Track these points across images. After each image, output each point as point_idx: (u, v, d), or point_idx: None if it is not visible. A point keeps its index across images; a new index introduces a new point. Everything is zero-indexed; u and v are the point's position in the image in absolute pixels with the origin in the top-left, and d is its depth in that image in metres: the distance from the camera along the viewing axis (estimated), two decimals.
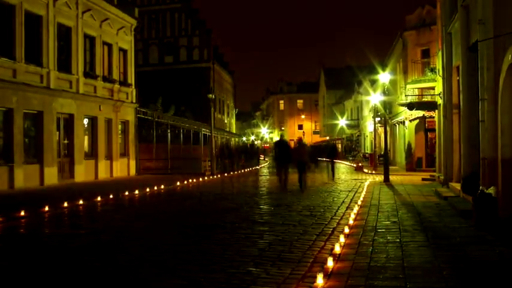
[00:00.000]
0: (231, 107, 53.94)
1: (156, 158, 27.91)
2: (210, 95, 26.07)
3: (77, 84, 20.93)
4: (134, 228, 8.80)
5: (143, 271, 5.71)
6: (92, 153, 22.27)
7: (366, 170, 26.51)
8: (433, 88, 20.81)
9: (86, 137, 22.18)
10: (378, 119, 30.29)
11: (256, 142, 74.12)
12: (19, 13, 17.51)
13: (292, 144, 23.43)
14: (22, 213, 10.07)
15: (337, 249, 6.44)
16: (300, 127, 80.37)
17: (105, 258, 6.34)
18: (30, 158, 18.16)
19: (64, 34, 20.41)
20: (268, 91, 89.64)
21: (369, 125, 42.13)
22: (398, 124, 29.84)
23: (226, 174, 24.56)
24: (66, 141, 20.44)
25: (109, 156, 23.35)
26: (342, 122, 56.52)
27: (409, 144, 26.08)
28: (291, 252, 6.53)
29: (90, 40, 22.34)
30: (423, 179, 19.18)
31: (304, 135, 74.05)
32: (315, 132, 78.32)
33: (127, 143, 25.41)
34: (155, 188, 16.25)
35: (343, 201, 12.45)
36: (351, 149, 54.92)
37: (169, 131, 28.44)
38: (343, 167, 33.41)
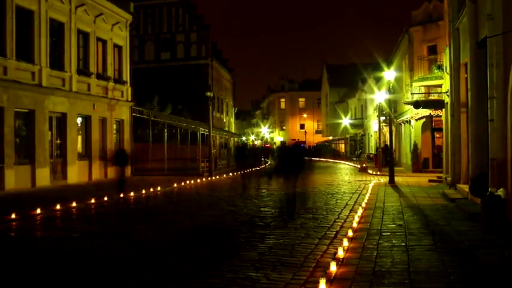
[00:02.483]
0: (230, 106, 53.90)
1: (152, 159, 27.90)
2: (209, 93, 26.06)
3: (70, 82, 20.92)
4: (130, 232, 8.80)
5: (139, 276, 5.72)
6: (86, 154, 22.25)
7: (370, 171, 26.52)
8: (440, 86, 20.80)
9: (79, 137, 22.16)
10: (382, 118, 30.26)
11: (256, 142, 74.12)
12: (10, 8, 17.48)
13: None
14: (13, 215, 10.07)
15: (341, 253, 6.44)
16: (302, 126, 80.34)
17: (100, 263, 6.35)
18: (21, 158, 18.14)
19: (56, 30, 20.40)
20: (269, 89, 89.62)
21: (373, 124, 42.11)
22: (404, 123, 29.82)
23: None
24: (58, 141, 20.42)
25: (103, 157, 23.30)
26: (345, 121, 56.49)
27: (415, 144, 26.05)
28: (292, 257, 6.53)
29: (83, 36, 22.31)
30: (430, 181, 19.18)
31: (306, 135, 74.12)
32: (317, 132, 78.29)
33: (122, 142, 25.35)
34: (151, 190, 16.26)
35: (347, 204, 12.45)
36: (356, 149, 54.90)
37: (165, 130, 28.44)
38: (346, 168, 33.42)
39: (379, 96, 30.17)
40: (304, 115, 79.73)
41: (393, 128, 25.53)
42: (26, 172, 18.07)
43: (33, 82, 18.69)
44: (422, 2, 26.47)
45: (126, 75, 25.92)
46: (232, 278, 5.51)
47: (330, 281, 5.29)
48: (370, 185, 17.67)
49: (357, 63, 50.44)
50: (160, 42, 42.99)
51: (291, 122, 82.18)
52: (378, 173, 25.18)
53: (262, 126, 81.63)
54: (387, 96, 23.88)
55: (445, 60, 17.93)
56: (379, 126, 30.95)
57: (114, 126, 24.78)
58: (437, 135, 25.44)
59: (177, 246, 7.45)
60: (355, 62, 52.72)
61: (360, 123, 53.20)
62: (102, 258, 6.63)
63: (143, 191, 15.70)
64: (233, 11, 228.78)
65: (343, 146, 65.30)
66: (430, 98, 22.68)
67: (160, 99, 34.78)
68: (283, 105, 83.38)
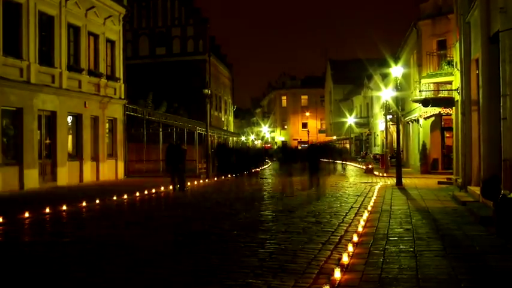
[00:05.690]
0: (229, 104, 53.98)
1: (147, 160, 27.91)
2: (206, 90, 26.07)
3: (60, 78, 20.93)
4: (123, 237, 8.80)
5: (133, 283, 5.72)
6: (77, 154, 22.26)
7: (376, 173, 26.53)
8: (450, 83, 20.81)
9: (70, 137, 22.16)
10: (389, 116, 30.28)
11: (256, 142, 74.12)
12: None
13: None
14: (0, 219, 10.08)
15: (345, 259, 6.44)
16: (305, 125, 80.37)
17: (91, 270, 6.35)
18: (8, 159, 18.15)
19: (46, 24, 20.40)
20: (270, 86, 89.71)
21: (379, 123, 42.17)
22: (412, 122, 29.85)
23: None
24: (48, 141, 20.43)
25: (95, 158, 23.35)
26: (350, 119, 56.57)
27: (424, 144, 26.08)
28: (294, 263, 6.53)
29: (74, 30, 22.32)
30: (439, 183, 19.19)
31: (308, 134, 74.15)
32: (320, 131, 78.30)
33: (115, 142, 25.40)
34: (146, 192, 16.26)
35: (352, 207, 12.46)
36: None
37: (161, 129, 28.45)
38: (351, 169, 33.42)
39: (385, 94, 30.19)
40: (307, 113, 79.74)
41: (401, 127, 25.58)
42: (13, 174, 18.07)
43: (21, 79, 18.70)
44: None
45: (119, 72, 25.93)
46: (231, 285, 5.51)
47: None
48: (377, 187, 17.68)
49: (363, 58, 50.64)
50: (155, 36, 43.04)
51: (293, 121, 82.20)
52: (385, 174, 25.20)
53: (262, 125, 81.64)
54: (394, 93, 23.89)
55: (455, 55, 17.94)
56: (386, 125, 30.97)
57: (107, 125, 24.79)
58: (447, 135, 25.44)
59: (172, 251, 7.45)
60: (360, 57, 52.90)
61: (366, 122, 53.28)
62: (93, 266, 6.63)
63: (137, 194, 15.70)
64: (231, 4, 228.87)
65: (347, 146, 65.32)
66: (440, 95, 22.69)
67: (155, 97, 34.79)
68: (284, 103, 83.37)
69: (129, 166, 26.33)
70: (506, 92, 9.31)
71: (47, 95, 20.10)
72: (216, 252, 7.22)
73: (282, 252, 7.15)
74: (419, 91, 24.25)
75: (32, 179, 18.87)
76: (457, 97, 17.72)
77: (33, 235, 9.39)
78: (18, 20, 18.71)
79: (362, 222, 9.49)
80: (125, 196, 14.95)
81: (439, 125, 25.78)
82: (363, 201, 13.70)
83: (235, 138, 50.86)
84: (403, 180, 18.99)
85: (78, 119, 22.43)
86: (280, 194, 16.28)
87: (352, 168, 34.74)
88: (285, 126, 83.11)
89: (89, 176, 22.63)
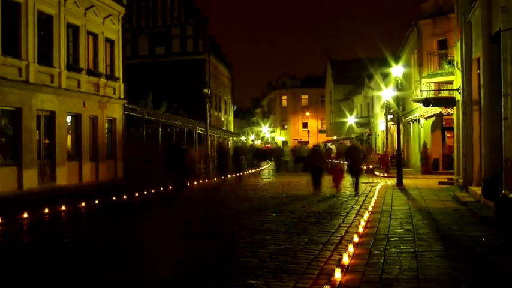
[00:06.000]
0: (229, 104, 53.92)
1: (146, 160, 27.84)
2: (206, 90, 26.06)
3: (59, 78, 20.91)
4: (123, 237, 8.80)
5: (132, 284, 5.71)
6: (76, 154, 22.24)
7: (377, 173, 26.52)
8: (451, 82, 20.80)
9: (69, 137, 22.15)
10: (390, 116, 30.27)
11: (256, 142, 74.14)
12: None
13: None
14: None
15: (346, 259, 6.44)
16: (305, 125, 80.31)
17: (91, 270, 6.35)
18: (7, 159, 18.14)
19: (45, 23, 20.38)
20: (270, 86, 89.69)
21: (380, 123, 42.13)
22: (413, 122, 29.82)
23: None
24: (47, 141, 20.41)
25: (94, 158, 23.33)
26: (350, 119, 56.50)
27: (425, 144, 26.06)
28: (294, 263, 6.53)
29: (73, 30, 22.31)
30: (440, 183, 19.18)
31: (309, 134, 74.14)
32: (321, 131, 78.26)
33: (114, 143, 25.38)
34: (145, 192, 16.25)
35: (352, 207, 12.46)
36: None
37: (160, 129, 28.44)
38: None
39: (386, 94, 30.16)
40: (307, 113, 79.69)
41: (401, 127, 25.55)
42: (12, 174, 18.05)
43: (20, 78, 18.68)
44: None
45: (119, 71, 25.91)
46: (231, 285, 5.51)
47: None
48: (377, 188, 17.68)
49: (363, 58, 50.46)
50: (154, 36, 42.99)
51: (293, 121, 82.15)
52: (385, 174, 25.19)
53: (262, 125, 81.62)
54: (395, 93, 23.87)
55: (457, 55, 17.94)
56: (387, 125, 30.97)
57: (106, 125, 24.78)
58: (448, 135, 25.43)
59: (172, 252, 7.44)
60: (360, 57, 52.79)
61: (366, 122, 53.21)
62: (92, 266, 6.63)
63: (137, 194, 15.70)
64: (231, 4, 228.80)
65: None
66: (441, 95, 22.66)
67: (155, 97, 34.76)
68: (284, 102, 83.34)
69: (128, 166, 26.28)
70: (507, 91, 9.31)
71: (46, 95, 20.09)
72: (216, 253, 7.21)
73: (282, 253, 7.15)
74: (420, 91, 24.22)
75: (31, 179, 18.84)
76: (458, 97, 17.71)
77: (32, 236, 9.38)
78: (17, 20, 18.68)
79: (362, 223, 9.49)
80: (125, 196, 14.94)
81: (440, 125, 25.77)
82: (364, 201, 13.70)
83: (235, 138, 50.81)
84: (404, 181, 18.98)
85: (77, 119, 22.42)
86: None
87: None
88: (285, 126, 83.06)
89: (88, 176, 22.61)
